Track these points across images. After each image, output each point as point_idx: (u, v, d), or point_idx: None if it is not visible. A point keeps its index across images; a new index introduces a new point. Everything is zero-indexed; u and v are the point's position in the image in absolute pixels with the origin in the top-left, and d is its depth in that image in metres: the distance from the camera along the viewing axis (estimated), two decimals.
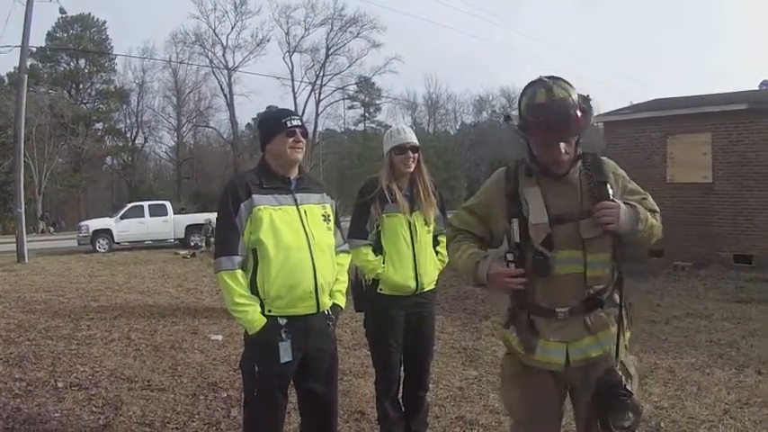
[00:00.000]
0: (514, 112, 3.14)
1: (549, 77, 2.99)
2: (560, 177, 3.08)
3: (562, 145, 2.95)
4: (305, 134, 3.93)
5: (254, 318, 3.66)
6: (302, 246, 3.75)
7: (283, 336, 3.68)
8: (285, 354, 3.69)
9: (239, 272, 3.70)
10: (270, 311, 3.70)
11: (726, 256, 15.30)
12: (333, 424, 4.14)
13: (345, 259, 4.26)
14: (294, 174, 3.93)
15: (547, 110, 2.90)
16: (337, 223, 4.18)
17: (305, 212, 3.86)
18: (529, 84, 3.03)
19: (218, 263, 3.73)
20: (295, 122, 3.87)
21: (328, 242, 3.96)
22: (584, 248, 3.02)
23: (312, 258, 3.76)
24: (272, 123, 3.94)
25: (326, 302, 3.88)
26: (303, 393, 4.01)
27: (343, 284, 4.13)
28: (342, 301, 4.07)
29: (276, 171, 3.88)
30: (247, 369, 3.84)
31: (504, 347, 3.36)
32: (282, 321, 3.70)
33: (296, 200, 3.86)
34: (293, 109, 58.35)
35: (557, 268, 2.99)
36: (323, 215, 3.98)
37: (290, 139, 3.82)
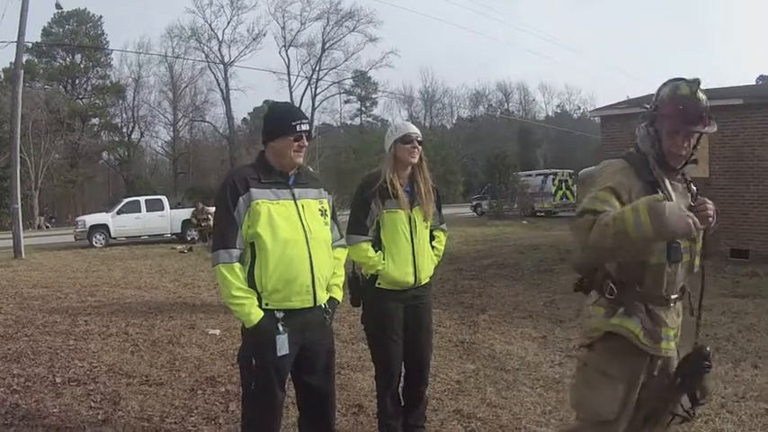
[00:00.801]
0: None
1: (693, 80, 3.24)
2: (675, 172, 3.28)
3: (685, 138, 3.18)
4: (309, 137, 3.97)
5: (252, 311, 3.66)
6: (300, 240, 3.76)
7: (280, 329, 3.69)
8: (282, 347, 3.69)
9: (237, 265, 3.70)
10: (267, 305, 3.71)
11: (722, 251, 15.32)
12: (331, 417, 4.15)
13: (342, 254, 4.26)
14: (292, 170, 3.94)
15: (688, 101, 3.16)
16: (334, 218, 4.18)
17: (302, 207, 3.87)
18: (674, 79, 3.29)
19: (215, 256, 3.72)
20: (304, 127, 3.87)
21: (325, 237, 3.97)
22: (693, 239, 3.23)
23: (309, 252, 3.78)
24: (281, 123, 3.89)
25: (323, 296, 3.89)
26: (301, 387, 4.02)
27: (340, 278, 4.16)
28: (339, 295, 4.09)
29: (274, 167, 3.89)
30: (245, 363, 3.84)
31: (584, 342, 3.45)
32: (279, 315, 3.71)
33: (294, 194, 3.87)
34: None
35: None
36: (320, 210, 4.00)
37: (296, 144, 3.84)
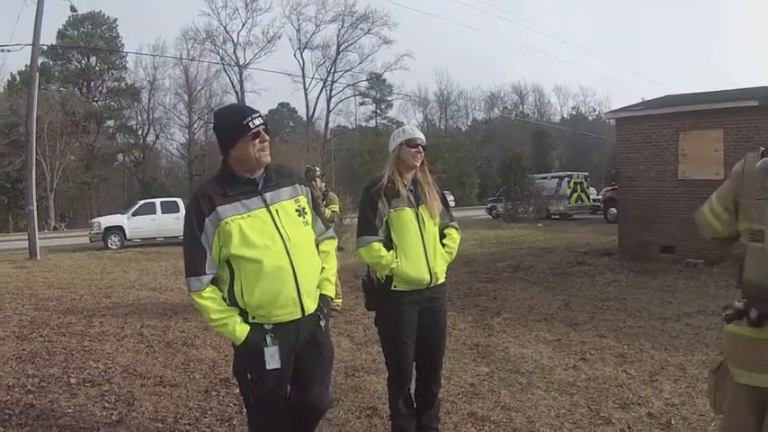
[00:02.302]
0: None
1: None
2: None
3: None
4: (268, 131, 3.72)
5: (236, 328, 3.57)
6: (278, 250, 3.61)
7: (268, 341, 3.60)
8: (272, 360, 3.60)
9: (208, 290, 3.62)
10: (254, 318, 3.62)
11: (737, 254, 15.17)
12: (314, 427, 4.12)
13: (331, 245, 4.14)
14: (259, 173, 3.75)
15: None
16: (316, 209, 4.05)
17: (277, 212, 3.70)
18: None
19: (188, 283, 3.65)
20: (257, 122, 3.63)
21: (307, 240, 3.86)
22: None
23: (291, 262, 3.63)
24: (232, 126, 3.66)
25: (312, 305, 3.76)
26: (294, 393, 3.89)
27: (331, 271, 4.03)
28: (330, 290, 3.96)
29: (241, 175, 3.70)
30: (240, 377, 3.80)
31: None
32: (268, 326, 3.62)
33: (265, 200, 3.70)
34: (305, 105, 58.10)
35: None
36: (297, 210, 3.82)
37: (256, 141, 3.62)
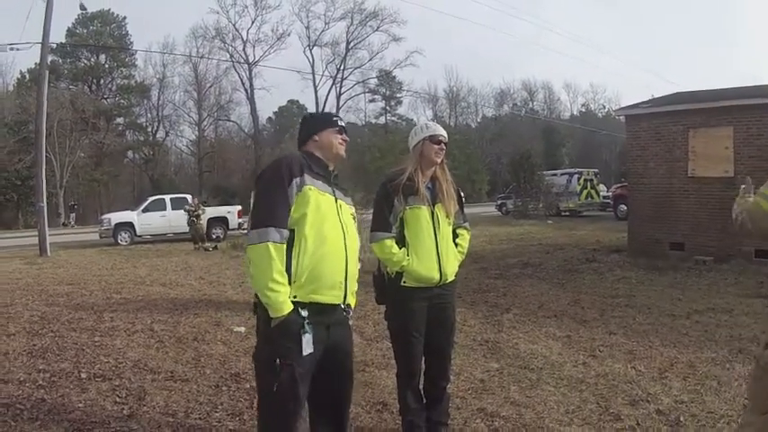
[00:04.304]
0: None
1: None
2: None
3: None
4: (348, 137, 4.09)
5: (285, 300, 3.49)
6: (338, 235, 3.73)
7: (307, 327, 3.55)
8: (307, 346, 3.54)
9: (284, 247, 3.55)
10: (295, 297, 3.55)
11: (747, 251, 15.15)
12: (346, 419, 4.04)
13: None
14: (336, 163, 4.03)
15: None
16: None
17: (340, 207, 3.87)
18: None
19: (263, 233, 3.51)
20: (343, 123, 4.07)
21: (357, 242, 3.94)
22: None
23: (346, 250, 3.75)
24: (323, 118, 4.17)
25: (350, 297, 3.84)
26: (318, 386, 3.77)
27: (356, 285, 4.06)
28: (354, 301, 4.00)
29: (324, 161, 3.92)
30: (265, 362, 3.62)
31: None
32: (304, 313, 3.55)
33: (334, 192, 3.87)
34: (315, 103, 58.19)
35: None
36: (352, 215, 4.00)
37: (339, 135, 3.99)
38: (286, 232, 3.56)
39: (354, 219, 4.02)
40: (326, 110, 72.56)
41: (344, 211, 3.89)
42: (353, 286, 3.88)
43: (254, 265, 3.56)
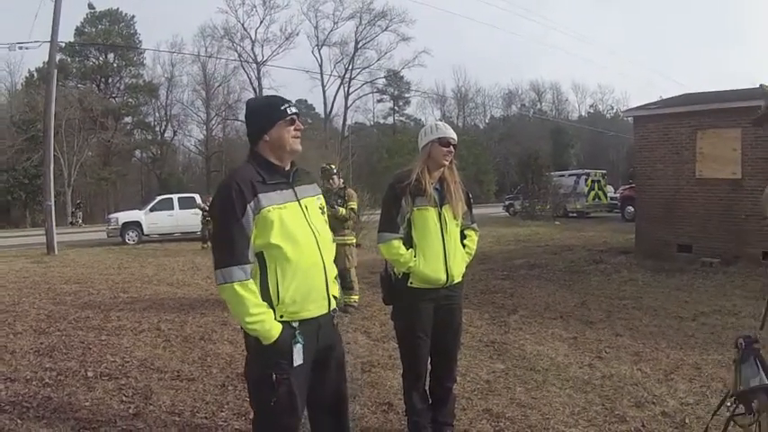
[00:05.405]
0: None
1: None
2: None
3: None
4: (302, 122, 3.71)
5: (272, 326, 3.41)
6: (311, 243, 3.57)
7: (298, 338, 3.48)
8: (298, 356, 3.48)
9: (251, 281, 3.42)
10: (282, 317, 3.47)
11: (754, 253, 15.10)
12: (345, 413, 4.00)
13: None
14: (289, 164, 3.69)
15: None
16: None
17: (306, 207, 3.66)
18: None
19: (227, 273, 3.39)
20: (294, 110, 3.64)
21: (329, 235, 3.83)
22: None
23: (321, 255, 3.62)
24: (270, 111, 3.63)
25: (333, 300, 3.71)
26: (314, 388, 3.72)
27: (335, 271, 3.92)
28: (336, 290, 3.83)
29: (277, 164, 3.63)
30: (258, 380, 3.55)
31: None
32: (295, 324, 3.49)
33: (296, 194, 3.64)
34: (323, 102, 57.95)
35: None
36: (320, 208, 3.82)
37: (291, 128, 3.60)
38: (249, 267, 3.43)
39: (323, 211, 3.86)
40: (334, 110, 73.05)
41: (312, 211, 3.70)
42: (334, 286, 3.75)
43: (229, 303, 3.49)
